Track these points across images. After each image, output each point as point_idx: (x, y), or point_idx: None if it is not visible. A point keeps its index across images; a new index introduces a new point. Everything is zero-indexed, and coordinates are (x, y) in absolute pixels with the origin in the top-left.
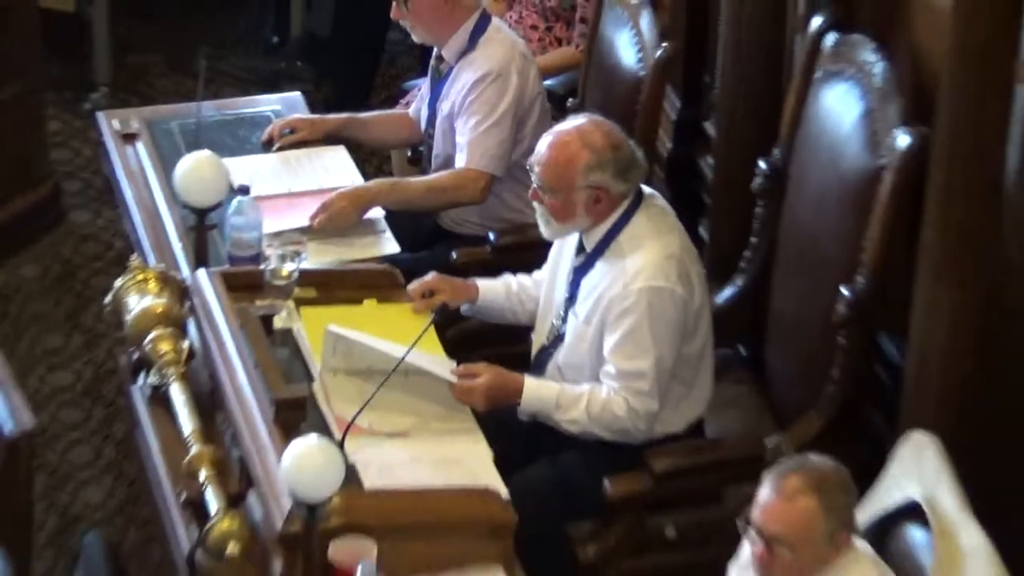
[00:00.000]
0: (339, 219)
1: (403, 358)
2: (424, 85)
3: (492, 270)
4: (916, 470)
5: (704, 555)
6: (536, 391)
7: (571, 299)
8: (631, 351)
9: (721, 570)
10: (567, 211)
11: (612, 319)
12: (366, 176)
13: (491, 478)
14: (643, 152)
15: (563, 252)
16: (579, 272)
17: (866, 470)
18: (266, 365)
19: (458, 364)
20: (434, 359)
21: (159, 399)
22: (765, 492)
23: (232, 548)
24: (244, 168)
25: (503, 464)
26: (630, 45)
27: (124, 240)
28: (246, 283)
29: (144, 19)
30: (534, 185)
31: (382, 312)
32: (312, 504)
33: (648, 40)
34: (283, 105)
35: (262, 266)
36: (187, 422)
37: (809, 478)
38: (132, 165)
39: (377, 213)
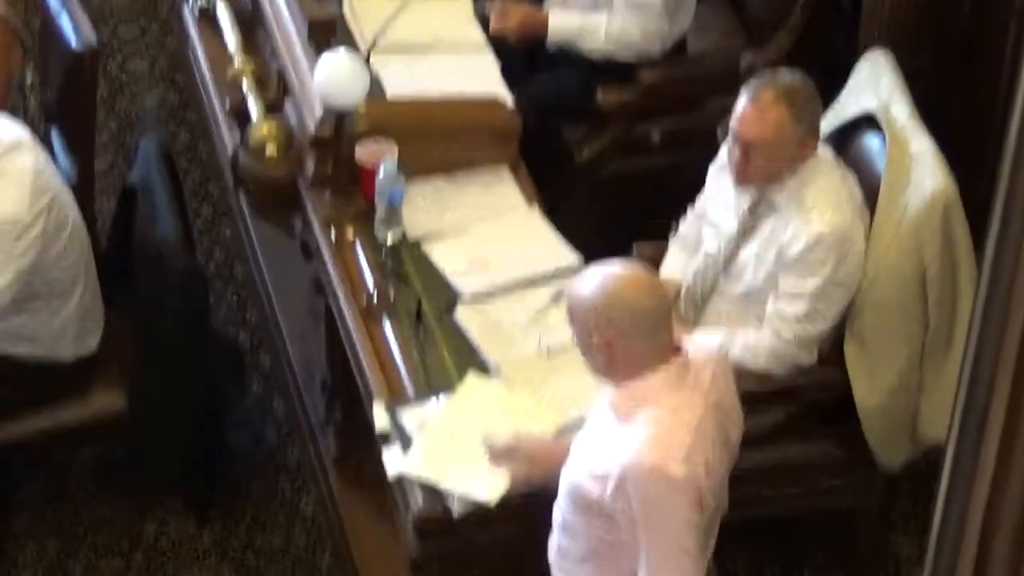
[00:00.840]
0: None
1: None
2: None
3: None
4: (872, 84)
5: (685, 157)
6: (560, 25)
7: None
8: None
9: (699, 170)
10: None
11: None
12: None
13: (498, 88)
14: None
15: None
16: None
17: (828, 85)
18: None
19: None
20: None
21: (207, 17)
22: (742, 103)
23: (270, 149)
24: None
25: (508, 77)
26: None
27: None
28: None
29: None
30: None
31: None
32: (341, 110)
33: None
34: None
35: None
36: (231, 38)
37: (781, 90)
38: None
39: None
